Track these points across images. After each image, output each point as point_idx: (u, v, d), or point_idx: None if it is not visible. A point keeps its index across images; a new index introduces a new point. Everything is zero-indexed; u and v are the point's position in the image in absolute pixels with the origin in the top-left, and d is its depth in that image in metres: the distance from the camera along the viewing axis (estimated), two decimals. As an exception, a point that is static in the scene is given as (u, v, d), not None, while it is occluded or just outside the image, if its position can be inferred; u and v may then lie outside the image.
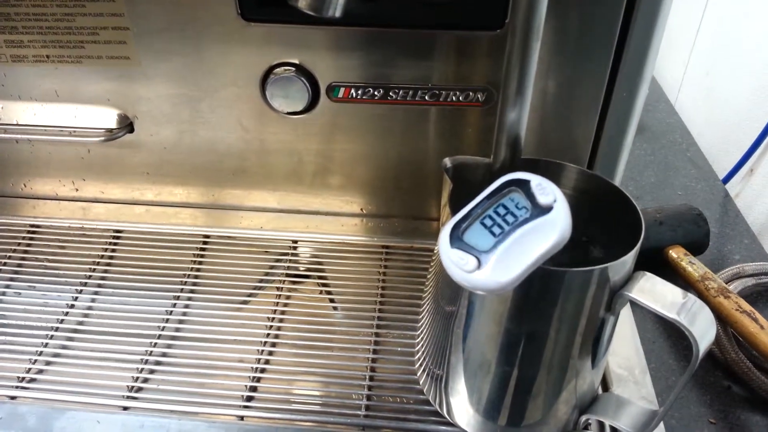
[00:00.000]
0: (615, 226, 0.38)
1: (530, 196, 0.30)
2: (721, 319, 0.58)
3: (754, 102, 0.81)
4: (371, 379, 0.46)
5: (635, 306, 0.57)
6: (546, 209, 0.30)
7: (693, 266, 0.62)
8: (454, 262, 0.29)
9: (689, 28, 1.00)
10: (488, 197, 0.31)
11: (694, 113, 0.98)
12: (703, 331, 0.33)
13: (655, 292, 0.34)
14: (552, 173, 0.40)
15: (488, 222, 0.30)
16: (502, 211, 0.30)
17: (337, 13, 0.35)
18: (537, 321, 0.35)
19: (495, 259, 0.29)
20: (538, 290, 0.34)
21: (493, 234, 0.29)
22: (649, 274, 0.35)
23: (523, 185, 0.31)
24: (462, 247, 0.29)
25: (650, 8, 0.43)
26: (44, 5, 0.50)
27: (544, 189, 0.30)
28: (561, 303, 0.34)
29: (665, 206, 0.69)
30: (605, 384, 0.46)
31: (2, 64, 0.53)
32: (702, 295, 0.59)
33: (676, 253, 0.63)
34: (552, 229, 0.29)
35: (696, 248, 0.65)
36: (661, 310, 0.33)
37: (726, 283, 0.62)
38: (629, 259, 0.34)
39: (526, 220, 0.29)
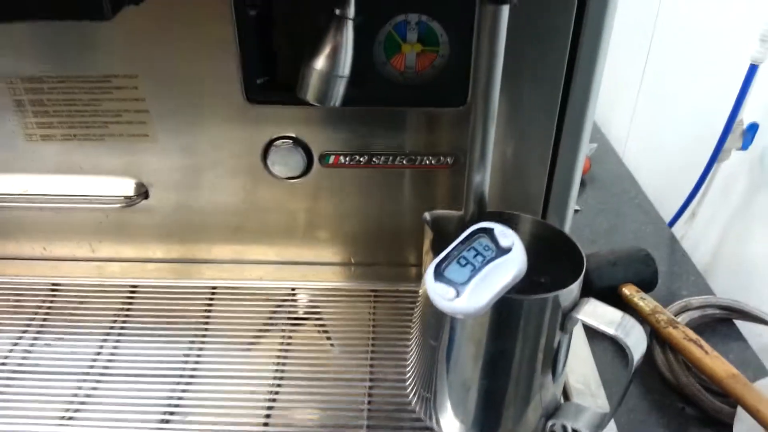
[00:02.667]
0: (565, 263, 0.47)
1: (494, 240, 0.39)
2: (671, 347, 0.65)
3: (692, 151, 0.89)
4: (369, 403, 0.53)
5: (592, 336, 0.65)
6: (507, 250, 0.38)
7: (644, 301, 0.69)
8: (438, 293, 0.37)
9: (632, 86, 1.09)
10: (462, 242, 0.40)
11: (641, 164, 1.06)
12: (636, 342, 0.41)
13: (597, 314, 0.43)
14: (512, 223, 0.49)
15: (463, 261, 0.38)
16: (473, 252, 0.39)
17: (338, 104, 0.45)
18: (507, 341, 0.44)
19: (470, 290, 0.37)
20: (507, 315, 0.42)
21: (467, 270, 0.38)
22: (593, 300, 0.44)
23: (489, 232, 0.40)
24: (443, 282, 0.38)
25: (585, 83, 0.53)
26: (74, 92, 0.57)
27: (505, 234, 0.39)
28: (524, 325, 0.43)
29: (617, 249, 0.76)
30: (566, 396, 0.54)
31: (33, 143, 0.61)
32: (654, 327, 0.66)
33: (628, 290, 0.71)
34: (512, 265, 0.38)
35: (647, 285, 0.73)
36: (602, 327, 0.42)
37: (675, 316, 0.68)
38: (575, 287, 0.43)
39: (492, 259, 0.38)
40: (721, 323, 0.72)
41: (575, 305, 0.43)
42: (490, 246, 0.39)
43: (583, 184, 1.00)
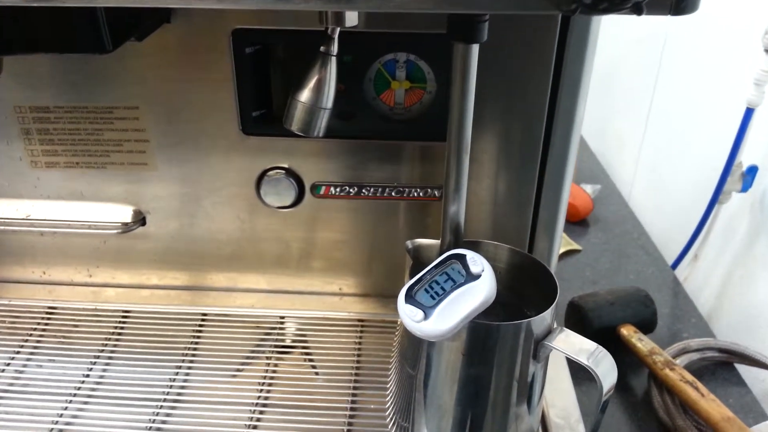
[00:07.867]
0: (541, 290, 0.48)
1: (465, 266, 0.40)
2: (668, 388, 0.65)
3: (695, 193, 0.90)
4: None
5: (576, 371, 0.65)
6: (476, 276, 0.40)
7: (642, 342, 0.69)
8: (407, 314, 0.38)
9: (637, 129, 1.11)
10: (435, 267, 0.41)
11: (646, 206, 1.06)
12: (606, 372, 0.42)
13: (569, 342, 0.43)
14: (490, 252, 0.50)
15: (434, 285, 0.40)
16: (444, 277, 0.40)
17: (321, 134, 0.47)
18: (481, 368, 0.44)
19: (437, 313, 0.38)
20: (480, 342, 0.43)
21: (437, 294, 0.39)
22: (567, 330, 0.45)
23: (461, 258, 0.41)
24: (413, 304, 0.39)
25: (566, 122, 0.55)
26: (78, 122, 0.61)
27: (476, 261, 0.40)
28: (498, 352, 0.43)
29: (615, 289, 0.76)
30: (546, 429, 0.54)
31: (38, 169, 0.63)
32: (650, 368, 0.66)
33: (626, 330, 0.71)
34: (480, 291, 0.39)
35: (645, 326, 0.73)
36: (573, 356, 0.42)
37: (673, 358, 0.68)
38: (547, 315, 0.43)
39: (461, 284, 0.39)
40: (722, 367, 0.72)
41: (548, 333, 0.44)
42: (461, 272, 0.40)
43: (586, 224, 1.00)
